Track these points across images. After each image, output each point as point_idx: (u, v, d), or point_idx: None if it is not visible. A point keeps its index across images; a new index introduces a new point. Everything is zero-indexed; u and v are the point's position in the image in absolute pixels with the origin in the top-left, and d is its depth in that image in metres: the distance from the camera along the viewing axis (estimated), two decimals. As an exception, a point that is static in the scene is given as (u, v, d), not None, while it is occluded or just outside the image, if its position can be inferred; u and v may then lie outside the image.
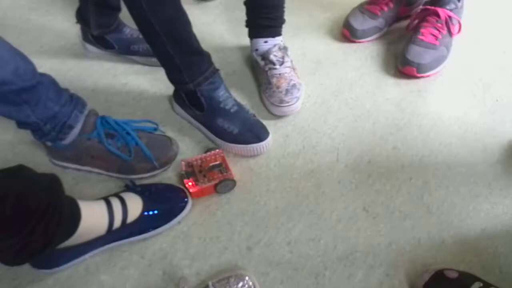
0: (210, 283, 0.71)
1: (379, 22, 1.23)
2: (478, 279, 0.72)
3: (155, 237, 0.83)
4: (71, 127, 0.85)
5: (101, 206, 0.77)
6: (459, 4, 1.18)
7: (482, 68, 1.16)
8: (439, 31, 1.15)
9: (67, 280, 0.77)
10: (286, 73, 1.04)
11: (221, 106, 0.94)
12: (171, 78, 0.96)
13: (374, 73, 1.16)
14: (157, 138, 0.94)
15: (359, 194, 0.90)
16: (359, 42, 1.23)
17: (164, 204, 0.83)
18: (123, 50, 1.16)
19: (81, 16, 1.14)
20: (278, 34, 1.09)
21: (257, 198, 0.90)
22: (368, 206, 0.88)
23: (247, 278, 0.73)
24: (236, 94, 1.08)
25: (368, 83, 1.13)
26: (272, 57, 1.04)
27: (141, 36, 1.15)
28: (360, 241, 0.82)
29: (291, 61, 1.07)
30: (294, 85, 1.03)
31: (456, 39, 1.19)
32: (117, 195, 0.81)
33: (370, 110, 1.07)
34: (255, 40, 1.09)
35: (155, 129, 0.96)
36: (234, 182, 0.89)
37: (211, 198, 0.89)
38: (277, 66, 1.04)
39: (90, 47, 1.20)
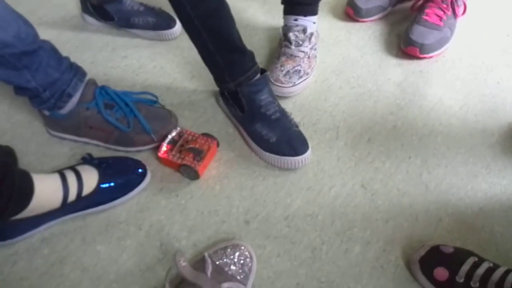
0: (206, 254, 0.71)
1: (383, 1, 1.21)
2: (473, 254, 0.73)
3: (153, 210, 0.83)
4: (70, 95, 0.84)
5: (56, 180, 0.76)
6: (465, -15, 1.17)
7: (485, 51, 1.15)
8: (444, 11, 1.14)
9: (64, 249, 0.77)
10: (298, 56, 1.02)
11: (262, 111, 0.89)
12: (213, 76, 0.92)
13: (376, 52, 1.15)
14: (156, 111, 0.93)
15: (358, 172, 0.90)
16: (363, 21, 1.22)
17: (121, 177, 0.82)
18: (123, 22, 1.14)
19: (81, -15, 1.12)
20: (311, 13, 1.06)
21: (256, 173, 0.89)
22: (367, 183, 0.88)
23: (243, 247, 0.73)
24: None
25: (370, 62, 1.12)
26: (291, 35, 1.02)
27: (141, 9, 1.14)
28: (358, 217, 0.83)
29: (312, 49, 1.05)
30: (297, 71, 1.01)
31: (460, 21, 1.18)
32: (72, 168, 0.80)
33: (371, 89, 1.06)
34: (286, 16, 1.07)
35: (155, 102, 0.95)
36: (196, 174, 0.86)
37: (209, 172, 0.89)
38: (292, 47, 1.02)
39: (90, 19, 1.18)
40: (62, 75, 0.82)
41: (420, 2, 1.19)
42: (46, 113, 0.87)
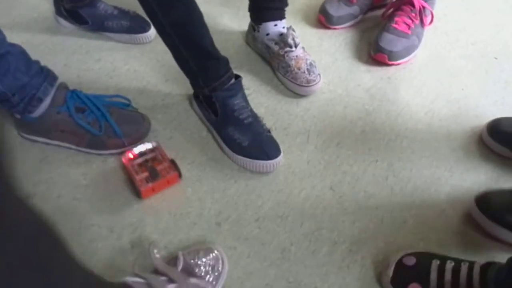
0: (180, 253, 0.72)
1: (354, 9, 1.25)
2: (435, 256, 0.75)
3: (125, 212, 0.83)
4: (40, 100, 0.84)
5: None
6: (433, -4, 1.22)
7: (450, 59, 1.20)
8: (412, 20, 1.18)
9: (34, 251, 0.77)
10: (301, 53, 1.06)
11: (235, 115, 0.91)
12: (189, 80, 0.94)
13: (347, 59, 1.18)
14: (129, 114, 0.94)
15: (327, 175, 0.92)
16: (334, 28, 1.25)
17: None
18: (97, 26, 1.14)
19: (54, -12, 1.12)
20: (284, 16, 1.09)
21: (228, 176, 0.91)
22: (335, 185, 0.91)
23: (216, 252, 0.75)
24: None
25: (341, 68, 1.16)
26: (289, 40, 1.05)
27: (115, 12, 1.14)
28: (326, 219, 0.85)
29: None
30: (311, 64, 1.06)
31: (428, 30, 1.23)
32: None
33: (341, 94, 1.09)
34: (264, 24, 1.08)
35: (128, 105, 0.96)
36: (139, 194, 0.84)
37: (185, 174, 0.90)
38: (293, 49, 1.05)
39: (63, 22, 1.18)
40: (32, 79, 0.82)
41: (390, 11, 1.23)
42: (17, 116, 0.87)
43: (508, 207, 0.82)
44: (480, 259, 0.73)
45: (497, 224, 0.82)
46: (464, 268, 0.71)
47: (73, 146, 0.91)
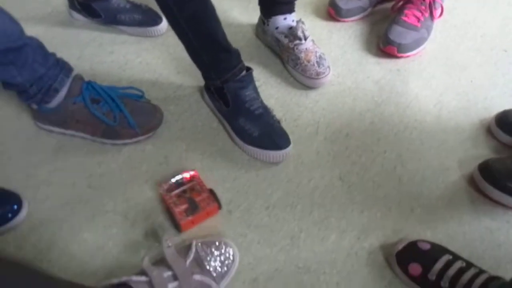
0: (194, 242, 0.74)
1: (363, 2, 1.25)
2: (448, 251, 0.76)
3: (138, 200, 0.86)
4: (56, 91, 0.87)
5: None
6: (443, -12, 1.22)
7: (459, 51, 1.20)
8: (422, 13, 1.19)
9: (52, 236, 0.80)
10: (310, 46, 1.07)
11: (246, 106, 0.92)
12: (201, 72, 0.95)
13: (356, 51, 1.19)
14: (142, 106, 0.96)
15: (336, 165, 0.94)
16: (344, 21, 1.26)
17: None
18: (110, 19, 1.16)
19: (68, -18, 1.14)
20: (294, 9, 1.11)
21: (239, 166, 0.93)
22: (344, 176, 0.92)
23: (229, 248, 0.75)
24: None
25: (350, 61, 1.17)
26: (299, 33, 1.06)
27: (128, 6, 1.16)
28: (335, 208, 0.87)
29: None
30: (321, 56, 1.07)
31: (437, 23, 1.23)
32: None
33: (351, 87, 1.10)
34: (274, 18, 1.10)
35: (141, 97, 0.98)
36: (178, 227, 0.80)
37: (193, 165, 0.92)
38: (303, 41, 1.06)
39: (77, 15, 1.20)
40: (49, 70, 0.84)
41: (399, 4, 1.24)
42: (34, 106, 0.89)
43: (509, 174, 0.86)
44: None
45: (499, 190, 0.85)
46: (471, 272, 0.71)
47: (88, 136, 0.93)
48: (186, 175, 0.86)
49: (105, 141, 0.93)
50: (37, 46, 0.84)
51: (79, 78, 0.90)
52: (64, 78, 0.87)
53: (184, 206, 0.81)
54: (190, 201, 0.82)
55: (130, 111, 0.92)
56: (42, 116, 0.92)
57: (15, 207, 0.80)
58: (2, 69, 0.79)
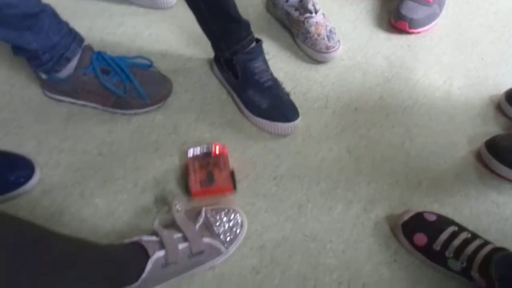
0: (203, 209, 0.75)
1: (375, -23, 1.24)
2: (454, 223, 0.77)
3: (148, 168, 0.87)
4: (68, 60, 0.87)
5: None
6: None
7: (471, 28, 1.19)
8: (434, -11, 1.17)
9: (63, 201, 0.81)
10: (321, 20, 1.07)
11: (255, 78, 0.92)
12: (211, 43, 0.95)
13: (367, 26, 1.18)
14: (152, 75, 0.96)
15: (344, 138, 0.94)
16: (355, -4, 1.25)
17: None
18: (120, -10, 1.16)
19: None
20: None
21: (247, 137, 0.93)
22: (352, 149, 0.93)
23: (238, 215, 0.77)
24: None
25: (361, 36, 1.16)
26: (310, 6, 1.06)
27: (138, -23, 1.15)
28: (342, 179, 0.87)
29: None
30: (331, 30, 1.06)
31: (449, -1, 1.22)
32: None
33: (360, 61, 1.10)
34: None
35: (149, 66, 0.98)
36: (189, 192, 0.82)
37: (202, 135, 0.92)
38: (313, 14, 1.06)
39: (87, -14, 1.20)
40: (62, 39, 0.85)
41: (411, -21, 1.22)
42: (43, 76, 0.90)
43: None
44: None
45: (506, 166, 0.86)
46: (476, 243, 0.71)
47: (99, 106, 0.94)
48: (216, 149, 0.86)
49: (116, 111, 0.94)
50: (52, 14, 0.84)
51: (89, 48, 0.91)
52: (77, 48, 0.88)
53: (201, 177, 0.82)
54: (209, 175, 0.82)
55: (140, 82, 0.92)
56: (52, 86, 0.93)
57: (28, 172, 0.82)
58: (18, 35, 0.79)
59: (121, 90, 0.91)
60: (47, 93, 0.96)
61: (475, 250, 0.70)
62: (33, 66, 0.88)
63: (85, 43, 0.92)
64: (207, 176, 0.82)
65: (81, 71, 0.89)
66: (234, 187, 0.83)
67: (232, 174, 0.84)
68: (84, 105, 0.95)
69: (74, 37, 0.88)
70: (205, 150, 0.87)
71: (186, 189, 0.83)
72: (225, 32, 0.90)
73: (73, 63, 0.88)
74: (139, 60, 0.97)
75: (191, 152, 0.86)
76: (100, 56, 0.91)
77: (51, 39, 0.83)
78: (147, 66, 0.97)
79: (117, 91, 0.90)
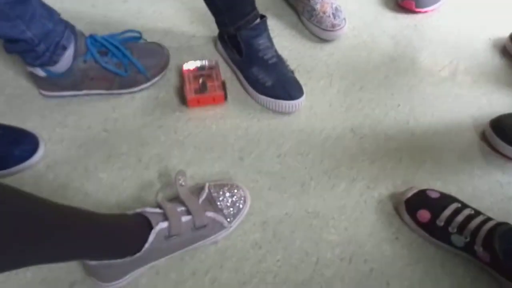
0: (206, 185, 0.76)
1: (382, -45, 1.22)
2: (457, 200, 0.77)
3: (152, 144, 0.87)
4: (64, 48, 0.84)
5: None
6: None
7: (479, 8, 1.17)
8: (442, -33, 1.15)
9: (67, 175, 0.82)
10: None
11: (259, 55, 0.92)
12: (215, 19, 0.94)
13: (373, 5, 1.17)
14: (146, 47, 0.95)
15: (348, 117, 0.94)
16: (361, -26, 1.23)
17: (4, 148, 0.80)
18: (124, -34, 1.14)
19: None
20: None
21: (251, 115, 0.93)
22: (356, 128, 0.92)
23: (241, 190, 0.77)
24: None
25: (367, 15, 1.14)
26: None
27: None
28: (346, 158, 0.87)
29: None
30: (337, 8, 1.05)
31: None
32: None
33: (366, 40, 1.09)
34: None
35: (139, 38, 0.97)
36: (185, 100, 0.92)
37: (206, 113, 0.92)
38: None
39: (90, -38, 1.18)
40: (56, 26, 0.82)
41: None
42: (42, 73, 0.86)
43: None
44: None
45: (510, 145, 0.86)
46: (479, 218, 0.71)
47: (103, 91, 0.92)
48: (209, 63, 0.97)
49: (122, 91, 0.93)
50: (41, 1, 0.82)
51: (81, 34, 0.87)
52: (70, 35, 0.84)
53: (196, 86, 0.92)
54: (202, 84, 0.93)
55: (137, 56, 0.91)
56: (51, 83, 0.89)
57: (32, 147, 0.82)
58: (10, 25, 0.76)
59: (122, 70, 0.90)
60: (44, 92, 0.92)
61: (479, 225, 0.70)
62: (30, 60, 0.84)
63: (77, 28, 0.88)
64: (200, 86, 0.92)
65: (80, 59, 0.86)
66: (225, 96, 0.92)
67: (223, 84, 0.93)
68: (87, 95, 0.93)
69: (66, 24, 0.84)
70: (200, 65, 0.97)
71: (183, 100, 0.92)
72: (230, 6, 0.89)
73: (70, 51, 0.85)
74: (128, 34, 0.95)
75: (186, 66, 0.96)
76: (93, 39, 0.88)
77: (45, 25, 0.80)
78: (138, 39, 0.96)
79: (118, 71, 0.89)
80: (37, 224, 0.47)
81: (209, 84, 0.93)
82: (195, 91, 0.91)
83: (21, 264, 0.48)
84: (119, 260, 0.63)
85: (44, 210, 0.50)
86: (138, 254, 0.63)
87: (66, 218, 0.53)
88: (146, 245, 0.63)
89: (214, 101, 0.93)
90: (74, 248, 0.53)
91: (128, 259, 0.63)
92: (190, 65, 0.96)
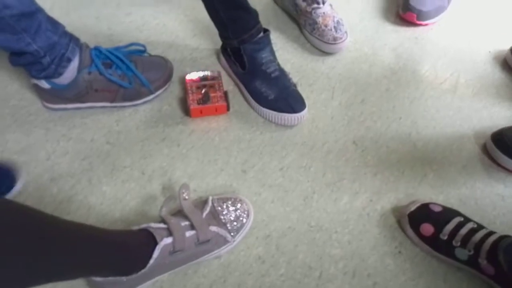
0: (210, 198, 0.76)
1: (383, -32, 1.23)
2: (459, 214, 0.77)
3: (155, 157, 0.87)
4: (69, 60, 0.85)
5: None
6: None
7: (479, 21, 1.18)
8: (443, -19, 1.17)
9: (71, 188, 0.82)
10: (328, 10, 1.07)
11: (262, 69, 0.92)
12: (218, 32, 0.95)
13: (374, 18, 1.18)
14: (150, 60, 0.96)
15: (350, 129, 0.94)
16: (362, -13, 1.24)
17: None
18: (127, -21, 1.16)
19: None
20: None
21: (254, 128, 0.94)
22: (358, 140, 0.93)
23: (244, 204, 0.77)
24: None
25: (368, 27, 1.15)
26: None
27: (145, -33, 1.15)
28: (348, 170, 0.88)
29: None
30: (338, 21, 1.06)
31: (458, -9, 1.21)
32: None
33: (367, 53, 1.09)
34: None
35: (143, 51, 0.97)
36: (188, 112, 0.93)
37: (209, 125, 0.93)
38: (321, 5, 1.06)
39: (94, -25, 1.19)
40: (60, 38, 0.82)
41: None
42: (46, 85, 0.87)
43: None
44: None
45: (511, 159, 0.86)
46: (483, 231, 0.72)
47: (107, 104, 0.93)
48: (211, 73, 0.98)
49: (125, 104, 0.94)
50: (46, 15, 0.83)
51: (86, 46, 0.88)
52: (75, 47, 0.85)
53: (198, 96, 0.93)
54: (205, 94, 0.94)
55: (141, 69, 0.92)
56: (56, 95, 0.89)
57: (7, 184, 0.79)
58: (16, 38, 0.77)
59: (126, 81, 0.90)
60: (48, 105, 0.92)
61: (483, 238, 0.71)
62: (35, 73, 0.85)
63: (81, 41, 0.89)
64: (203, 96, 0.93)
65: (85, 71, 0.87)
66: (228, 106, 0.93)
67: (226, 94, 0.94)
68: (91, 107, 0.93)
69: (71, 36, 0.85)
70: (202, 75, 0.98)
71: (186, 111, 0.93)
72: (233, 20, 0.90)
73: (75, 63, 0.85)
74: (133, 47, 0.96)
75: (189, 76, 0.97)
76: (98, 51, 0.89)
77: (50, 38, 0.81)
78: (142, 52, 0.97)
79: (123, 83, 0.90)
80: (42, 242, 0.47)
81: (211, 94, 0.94)
82: (198, 101, 0.92)
83: (25, 283, 0.48)
84: (124, 277, 0.63)
85: (51, 228, 0.50)
86: (143, 270, 0.63)
87: (73, 236, 0.53)
88: (151, 261, 0.63)
89: (216, 111, 0.93)
90: (80, 267, 0.54)
91: (133, 276, 0.63)
92: (192, 76, 0.97)
